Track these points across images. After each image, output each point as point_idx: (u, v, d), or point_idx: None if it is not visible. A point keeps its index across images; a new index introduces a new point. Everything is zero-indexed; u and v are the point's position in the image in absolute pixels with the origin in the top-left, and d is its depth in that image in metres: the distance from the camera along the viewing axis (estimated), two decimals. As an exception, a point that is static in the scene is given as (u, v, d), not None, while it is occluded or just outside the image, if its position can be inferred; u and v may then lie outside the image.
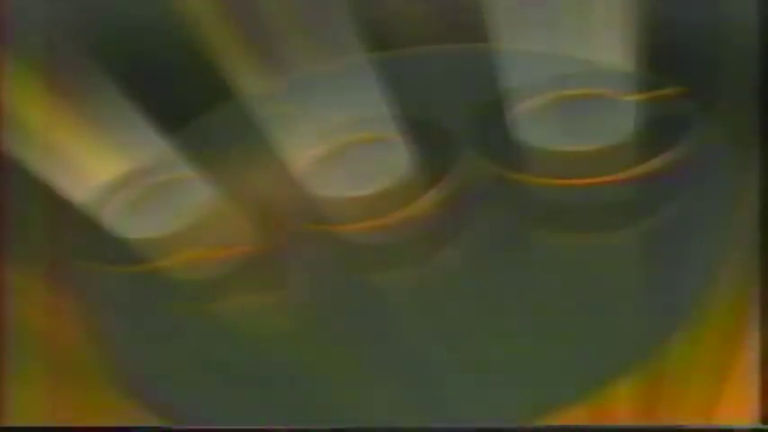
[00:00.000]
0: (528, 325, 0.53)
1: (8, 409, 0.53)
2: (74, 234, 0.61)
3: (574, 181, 0.58)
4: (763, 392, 0.48)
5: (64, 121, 0.62)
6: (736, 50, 0.58)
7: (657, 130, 0.58)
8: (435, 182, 0.59)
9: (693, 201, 0.56)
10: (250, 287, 0.58)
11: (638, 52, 0.60)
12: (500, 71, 0.62)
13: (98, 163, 0.62)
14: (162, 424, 0.52)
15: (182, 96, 0.64)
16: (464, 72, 0.65)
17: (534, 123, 0.60)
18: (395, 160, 0.60)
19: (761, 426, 0.48)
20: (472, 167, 0.60)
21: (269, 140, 0.62)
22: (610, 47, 0.62)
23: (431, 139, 0.61)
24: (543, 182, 0.58)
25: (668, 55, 0.60)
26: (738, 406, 0.49)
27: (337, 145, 0.62)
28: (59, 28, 0.62)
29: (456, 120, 0.62)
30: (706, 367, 0.50)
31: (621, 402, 0.49)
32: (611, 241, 0.56)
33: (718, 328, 0.51)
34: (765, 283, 0.51)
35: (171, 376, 0.55)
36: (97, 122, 0.62)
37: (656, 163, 0.57)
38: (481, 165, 0.60)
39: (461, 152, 0.61)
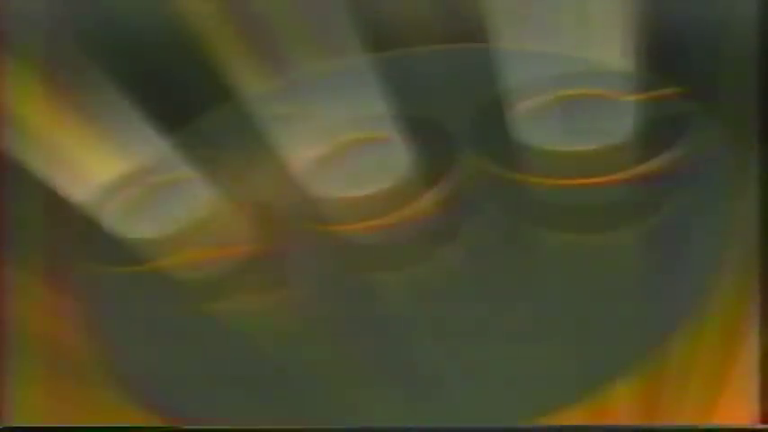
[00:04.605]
0: (528, 325, 0.53)
1: (8, 409, 0.53)
2: (74, 234, 0.61)
3: (574, 181, 0.58)
4: (763, 392, 0.48)
5: (64, 121, 0.62)
6: (736, 50, 0.58)
7: (657, 130, 0.58)
8: (435, 182, 0.59)
9: (693, 201, 0.56)
10: (250, 287, 0.58)
11: (638, 52, 0.60)
12: (500, 71, 0.62)
13: (98, 163, 0.62)
14: (162, 424, 0.52)
15: (182, 96, 0.64)
16: (464, 72, 0.65)
17: (534, 123, 0.60)
18: (395, 160, 0.60)
19: (761, 426, 0.48)
20: (472, 167, 0.60)
21: (269, 140, 0.62)
22: (610, 47, 0.62)
23: (431, 139, 0.61)
24: (543, 182, 0.58)
25: (668, 55, 0.60)
26: (738, 406, 0.49)
27: (337, 145, 0.62)
28: (59, 28, 0.62)
29: (456, 120, 0.62)
30: (706, 367, 0.50)
31: (621, 402, 0.49)
32: (612, 241, 0.56)
33: (718, 328, 0.51)
34: (765, 283, 0.51)
35: (171, 376, 0.55)
36: (97, 122, 0.62)
37: (656, 163, 0.57)
38: (481, 165, 0.60)
39: (461, 152, 0.61)
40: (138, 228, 0.61)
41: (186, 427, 0.52)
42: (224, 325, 0.56)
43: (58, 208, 0.60)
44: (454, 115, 0.62)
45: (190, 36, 0.63)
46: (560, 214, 0.58)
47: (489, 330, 0.53)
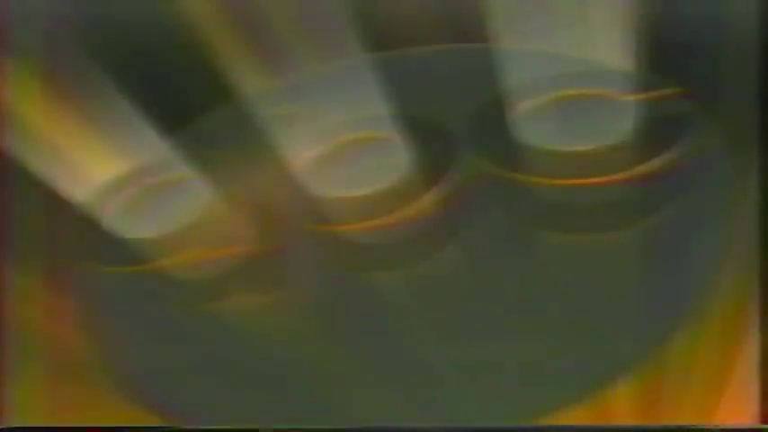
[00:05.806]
0: (528, 325, 0.53)
1: (8, 409, 0.53)
2: (74, 234, 0.61)
3: (574, 181, 0.58)
4: (763, 392, 0.49)
5: (64, 121, 0.62)
6: (736, 50, 0.58)
7: (657, 131, 0.58)
8: (435, 182, 0.59)
9: (693, 201, 0.56)
10: (250, 287, 0.58)
11: (638, 52, 0.60)
12: (500, 71, 0.62)
13: (98, 163, 0.62)
14: (162, 424, 0.52)
15: (182, 96, 0.64)
16: (464, 72, 0.65)
17: (534, 123, 0.60)
18: (395, 160, 0.60)
19: (761, 426, 0.48)
20: (472, 167, 0.60)
21: (269, 140, 0.62)
22: (609, 47, 0.62)
23: (431, 139, 0.61)
24: (543, 182, 0.58)
25: (668, 55, 0.60)
26: (738, 406, 0.49)
27: (337, 145, 0.62)
28: (59, 28, 0.62)
29: (456, 120, 0.62)
30: (706, 367, 0.50)
31: (621, 402, 0.49)
32: (612, 241, 0.56)
33: (718, 328, 0.51)
34: (765, 283, 0.51)
35: (171, 376, 0.55)
36: (97, 122, 0.62)
37: (655, 163, 0.57)
38: (481, 165, 0.60)
39: (461, 152, 0.61)
40: (138, 228, 0.61)
41: (186, 427, 0.52)
42: (224, 325, 0.56)
43: (58, 208, 0.60)
44: (454, 115, 0.62)
45: (190, 36, 0.63)
46: (560, 214, 0.58)
47: (489, 330, 0.53)
